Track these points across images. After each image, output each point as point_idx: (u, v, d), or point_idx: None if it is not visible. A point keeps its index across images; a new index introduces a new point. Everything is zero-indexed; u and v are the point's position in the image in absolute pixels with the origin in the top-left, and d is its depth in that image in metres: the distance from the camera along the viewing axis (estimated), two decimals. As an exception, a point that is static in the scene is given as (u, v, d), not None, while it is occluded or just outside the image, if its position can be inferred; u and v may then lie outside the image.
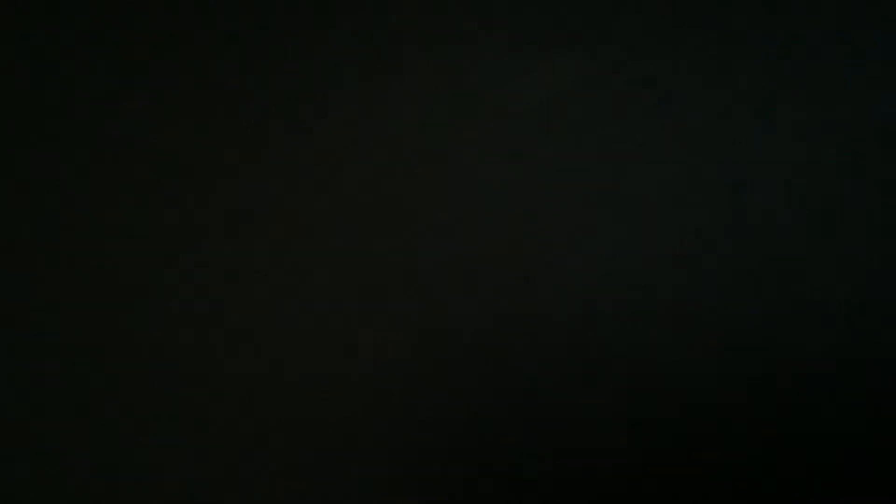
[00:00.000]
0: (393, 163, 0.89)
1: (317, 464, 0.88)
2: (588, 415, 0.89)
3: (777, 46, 0.92)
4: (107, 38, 0.89)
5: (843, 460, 0.90)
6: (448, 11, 0.90)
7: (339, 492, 0.88)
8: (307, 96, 0.89)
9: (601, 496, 0.89)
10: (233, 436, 0.88)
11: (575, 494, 0.89)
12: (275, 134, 0.89)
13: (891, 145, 0.93)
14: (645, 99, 0.91)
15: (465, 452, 0.89)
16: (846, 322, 0.91)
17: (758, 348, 0.90)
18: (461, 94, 0.90)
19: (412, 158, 0.89)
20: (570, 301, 0.89)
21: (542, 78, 0.89)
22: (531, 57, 0.90)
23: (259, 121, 0.89)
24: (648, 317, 0.90)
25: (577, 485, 0.89)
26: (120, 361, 0.88)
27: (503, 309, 0.89)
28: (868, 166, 0.92)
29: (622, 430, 0.89)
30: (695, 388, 0.90)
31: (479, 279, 0.89)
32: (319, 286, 0.89)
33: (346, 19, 0.89)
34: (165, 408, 0.87)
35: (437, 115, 0.90)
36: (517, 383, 0.89)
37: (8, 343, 0.87)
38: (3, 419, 0.87)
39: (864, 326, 0.91)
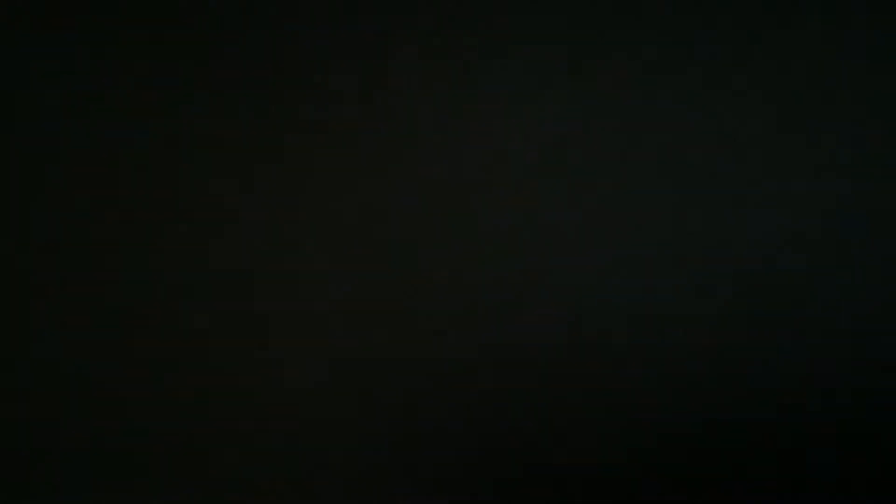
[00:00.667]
0: (386, 200, 0.89)
1: (310, 476, 0.88)
2: (588, 432, 0.90)
3: (771, 78, 0.92)
4: (106, 37, 0.89)
5: (845, 476, 0.90)
6: (440, 57, 0.90)
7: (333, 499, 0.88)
8: (301, 137, 0.89)
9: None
10: (229, 445, 0.88)
11: None
12: (271, 154, 0.89)
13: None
14: (632, 143, 0.91)
15: (463, 464, 0.89)
16: (853, 337, 0.91)
17: (769, 385, 0.91)
18: (453, 137, 0.90)
19: (408, 199, 0.89)
20: (559, 327, 0.89)
21: (533, 122, 0.89)
22: (521, 102, 0.90)
23: (256, 137, 0.90)
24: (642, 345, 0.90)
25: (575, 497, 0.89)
26: (117, 366, 0.88)
27: (496, 332, 0.89)
28: (871, 179, 0.92)
29: (623, 448, 0.90)
30: (696, 407, 0.90)
31: (472, 310, 0.89)
32: (312, 303, 0.89)
33: (338, 57, 0.89)
34: (163, 414, 0.88)
35: (428, 158, 0.90)
36: (514, 405, 0.89)
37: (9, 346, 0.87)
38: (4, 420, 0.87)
39: (870, 334, 0.91)
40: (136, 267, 0.88)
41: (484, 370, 0.89)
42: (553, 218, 0.90)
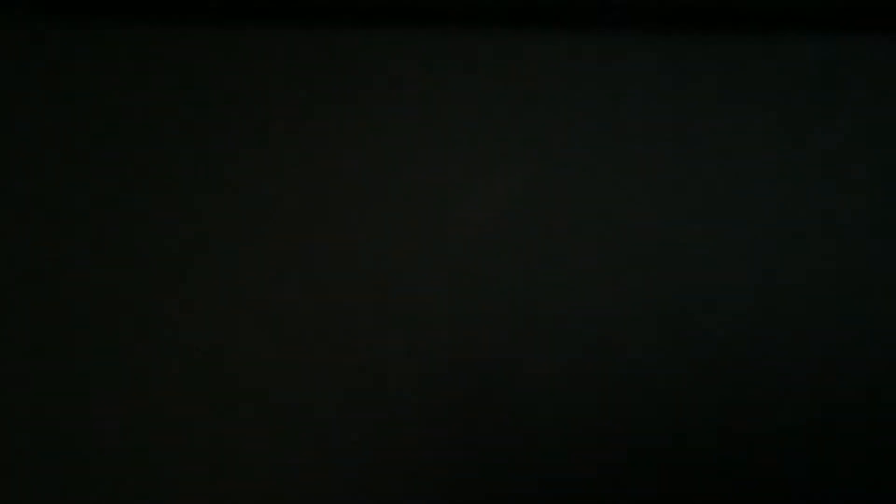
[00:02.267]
0: (343, 282, 0.90)
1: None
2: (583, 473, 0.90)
3: (725, 158, 0.92)
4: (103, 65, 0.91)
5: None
6: (393, 133, 0.91)
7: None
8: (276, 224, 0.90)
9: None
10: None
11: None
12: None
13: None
14: (584, 215, 0.91)
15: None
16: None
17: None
18: (407, 214, 0.91)
19: (363, 282, 0.90)
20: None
21: (484, 196, 0.90)
22: (472, 176, 0.91)
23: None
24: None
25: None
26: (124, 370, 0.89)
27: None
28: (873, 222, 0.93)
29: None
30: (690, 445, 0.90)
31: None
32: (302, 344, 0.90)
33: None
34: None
35: (384, 238, 0.91)
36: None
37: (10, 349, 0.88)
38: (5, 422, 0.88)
39: (865, 360, 0.91)
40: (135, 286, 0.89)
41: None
42: (500, 334, 0.90)
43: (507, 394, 0.89)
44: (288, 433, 0.88)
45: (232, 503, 0.88)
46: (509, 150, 0.91)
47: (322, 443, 0.88)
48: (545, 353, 0.90)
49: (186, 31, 0.91)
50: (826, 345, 0.91)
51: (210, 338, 0.89)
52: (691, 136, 0.92)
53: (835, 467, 0.91)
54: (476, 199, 0.90)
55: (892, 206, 0.92)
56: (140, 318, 0.89)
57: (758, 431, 0.90)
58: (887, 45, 0.94)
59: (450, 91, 0.92)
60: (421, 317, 0.89)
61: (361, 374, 0.89)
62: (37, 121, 0.90)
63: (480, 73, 0.92)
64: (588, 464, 0.89)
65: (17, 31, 0.90)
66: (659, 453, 0.90)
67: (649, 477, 0.89)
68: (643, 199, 0.92)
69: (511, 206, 0.91)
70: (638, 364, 0.90)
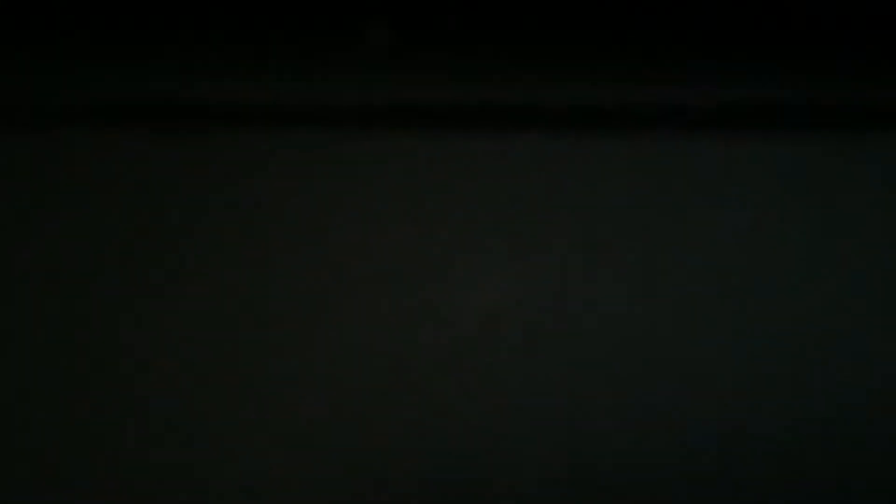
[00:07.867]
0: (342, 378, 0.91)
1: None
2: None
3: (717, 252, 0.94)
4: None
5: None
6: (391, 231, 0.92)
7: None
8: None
9: None
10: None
11: None
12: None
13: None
14: (581, 311, 0.92)
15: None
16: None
17: None
18: (404, 310, 0.91)
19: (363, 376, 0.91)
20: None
21: (483, 291, 0.91)
22: (471, 271, 0.92)
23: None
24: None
25: None
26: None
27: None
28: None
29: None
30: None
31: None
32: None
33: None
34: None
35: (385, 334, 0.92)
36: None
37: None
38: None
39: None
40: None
41: None
42: (497, 427, 0.90)
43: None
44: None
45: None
46: (498, 254, 0.92)
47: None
48: (533, 460, 0.89)
49: (166, 136, 0.92)
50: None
51: (207, 438, 0.89)
52: (689, 240, 0.93)
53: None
54: (465, 302, 0.91)
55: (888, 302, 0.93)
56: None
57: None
58: (859, 142, 0.94)
59: (442, 194, 0.92)
60: (405, 422, 0.90)
61: (356, 468, 0.90)
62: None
63: (466, 176, 0.92)
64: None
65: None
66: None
67: None
68: (636, 305, 0.92)
69: (499, 312, 0.91)
70: (632, 478, 0.90)
